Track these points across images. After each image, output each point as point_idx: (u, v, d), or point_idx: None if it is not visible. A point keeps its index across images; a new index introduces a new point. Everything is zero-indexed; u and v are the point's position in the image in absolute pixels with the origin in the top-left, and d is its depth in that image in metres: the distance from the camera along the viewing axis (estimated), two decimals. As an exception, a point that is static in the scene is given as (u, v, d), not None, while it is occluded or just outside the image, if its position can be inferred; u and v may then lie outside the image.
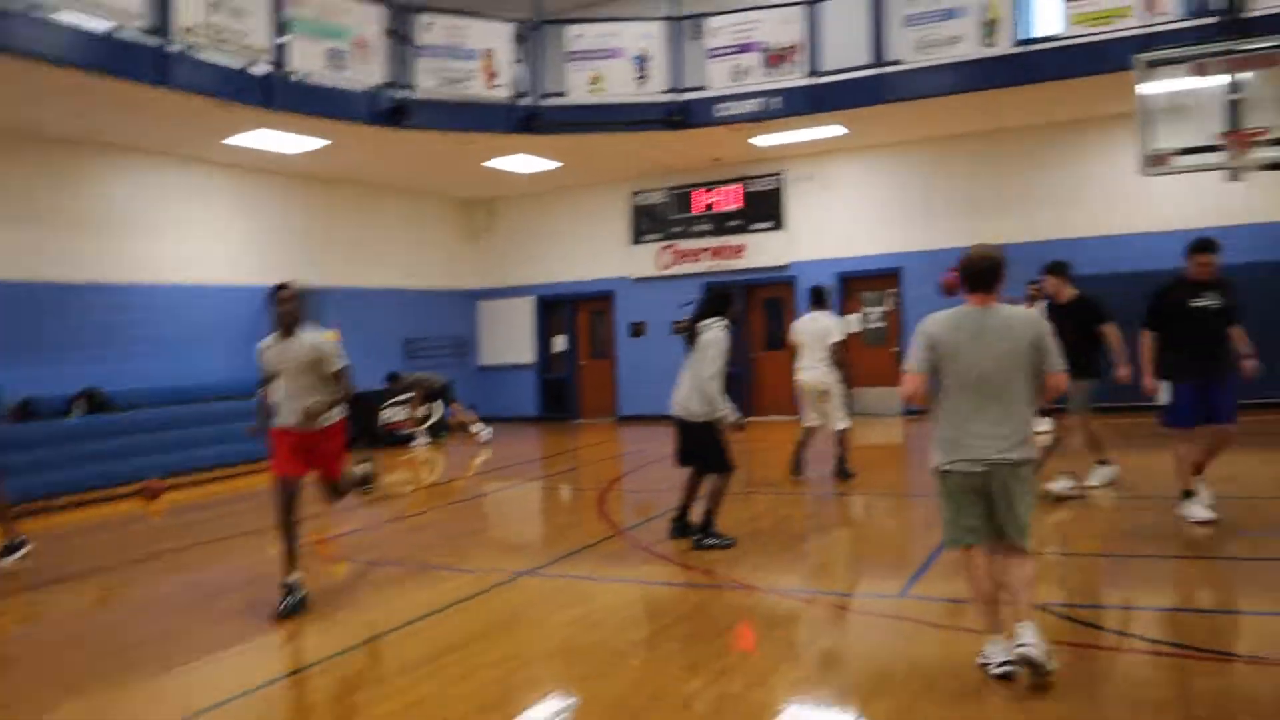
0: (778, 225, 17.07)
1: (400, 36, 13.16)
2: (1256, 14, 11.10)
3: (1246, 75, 10.20)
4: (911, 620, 5.22)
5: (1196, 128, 10.17)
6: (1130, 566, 6.24)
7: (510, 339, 19.34)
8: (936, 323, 4.34)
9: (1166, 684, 4.29)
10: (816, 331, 9.57)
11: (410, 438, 15.29)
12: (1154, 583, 5.94)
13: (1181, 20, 11.70)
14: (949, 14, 12.67)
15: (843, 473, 9.59)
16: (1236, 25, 11.08)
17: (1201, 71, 10.37)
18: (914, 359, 4.32)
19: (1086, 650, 4.65)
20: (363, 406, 13.40)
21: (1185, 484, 7.07)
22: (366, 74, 12.77)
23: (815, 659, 4.94)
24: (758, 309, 17.48)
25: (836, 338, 9.51)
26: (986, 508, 4.27)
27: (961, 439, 4.25)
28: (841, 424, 9.54)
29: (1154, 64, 10.67)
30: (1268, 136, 9.70)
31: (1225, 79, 10.26)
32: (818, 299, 9.86)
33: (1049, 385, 4.29)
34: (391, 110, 13.06)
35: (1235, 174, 10.02)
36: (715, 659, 4.81)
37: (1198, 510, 6.95)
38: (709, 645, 5.09)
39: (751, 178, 17.19)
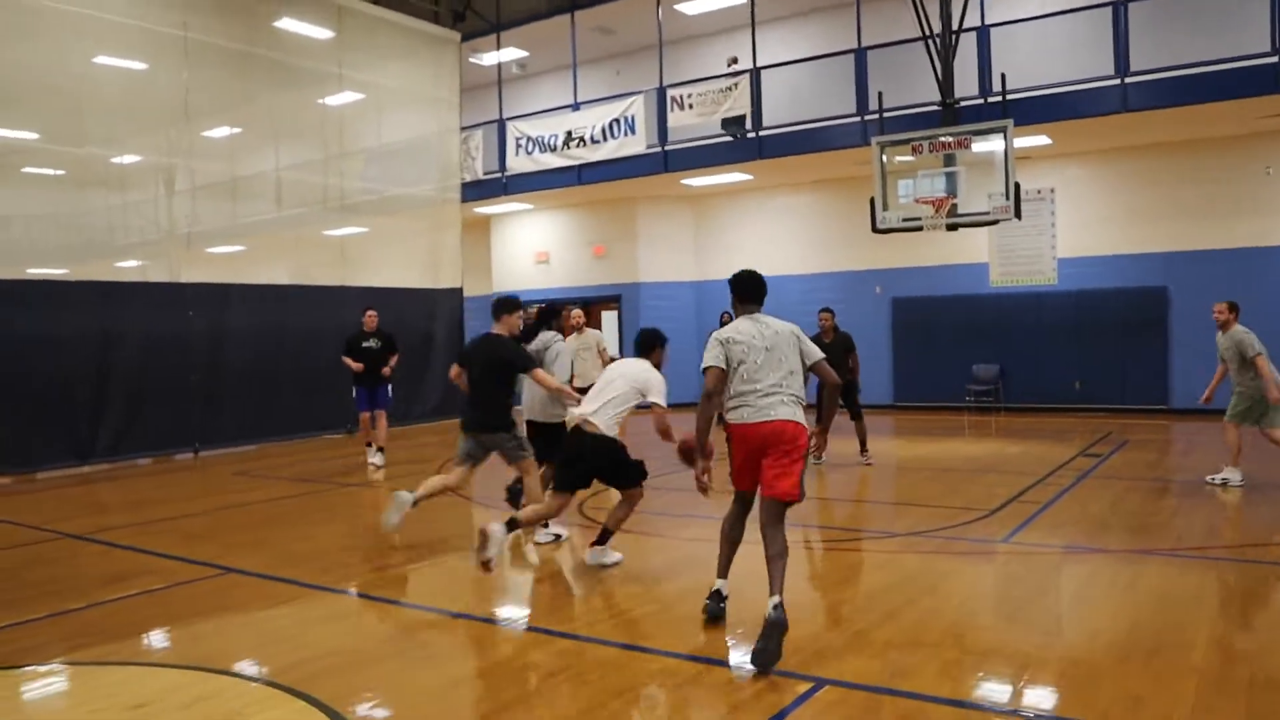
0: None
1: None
2: (962, 105, 13.45)
3: (952, 153, 12.39)
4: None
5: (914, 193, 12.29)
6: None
7: None
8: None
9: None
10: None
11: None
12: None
13: (908, 107, 14.02)
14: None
15: None
16: (950, 114, 13.39)
17: (917, 151, 12.53)
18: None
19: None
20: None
21: None
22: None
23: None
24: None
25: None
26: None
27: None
28: None
29: (884, 145, 12.83)
30: (952, 202, 11.83)
31: (939, 155, 12.43)
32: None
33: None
34: None
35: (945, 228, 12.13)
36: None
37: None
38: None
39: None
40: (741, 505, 5.41)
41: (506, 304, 7.64)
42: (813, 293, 16.43)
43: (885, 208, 12.80)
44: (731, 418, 5.21)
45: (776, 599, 4.76)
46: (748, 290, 5.49)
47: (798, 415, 5.12)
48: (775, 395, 5.12)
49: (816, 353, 5.33)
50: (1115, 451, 11.51)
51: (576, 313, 10.92)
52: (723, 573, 5.44)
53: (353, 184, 18.14)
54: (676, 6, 17.41)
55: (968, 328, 16.64)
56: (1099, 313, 15.57)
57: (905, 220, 12.49)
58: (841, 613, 5.59)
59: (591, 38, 19.19)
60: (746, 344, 5.22)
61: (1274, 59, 12.39)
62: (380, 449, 12.24)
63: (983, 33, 14.07)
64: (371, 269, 17.98)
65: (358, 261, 17.90)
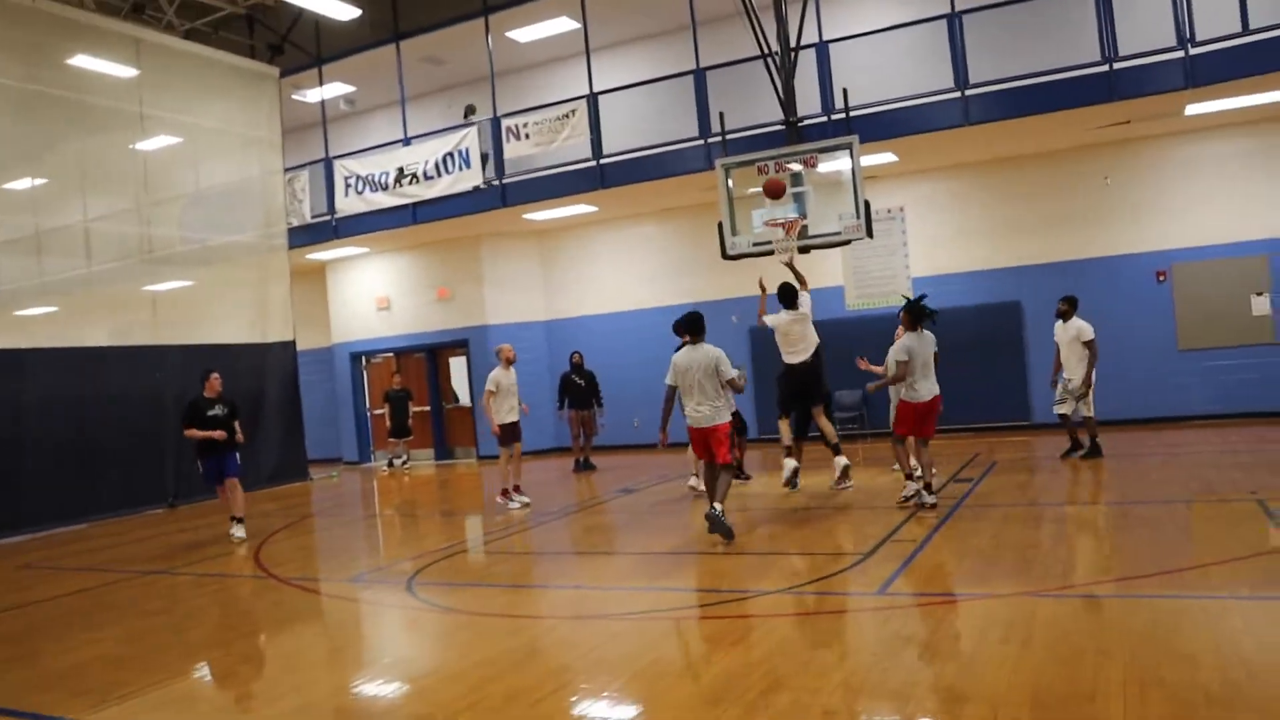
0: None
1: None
2: (806, 123, 12.99)
3: (795, 166, 11.84)
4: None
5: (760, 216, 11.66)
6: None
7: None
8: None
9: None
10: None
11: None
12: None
13: (752, 128, 13.49)
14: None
15: None
16: (794, 132, 12.90)
17: (763, 172, 11.92)
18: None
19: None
20: None
21: None
22: None
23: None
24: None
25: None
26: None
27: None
28: None
29: (728, 167, 12.19)
30: (803, 224, 11.26)
31: (787, 176, 11.85)
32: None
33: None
34: None
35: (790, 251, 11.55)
36: None
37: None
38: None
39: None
40: (707, 466, 8.71)
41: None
42: (667, 326, 15.66)
43: (734, 232, 12.16)
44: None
45: (718, 505, 8.29)
46: (687, 327, 8.78)
47: (715, 417, 8.39)
48: (702, 406, 8.41)
49: (728, 373, 8.34)
50: (985, 475, 11.03)
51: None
52: (713, 499, 8.41)
53: (170, 233, 16.62)
54: (508, 34, 16.58)
55: (827, 353, 16.11)
56: (956, 331, 15.16)
57: (755, 245, 11.85)
58: (696, 706, 4.67)
59: (421, 69, 18.18)
60: (685, 368, 8.46)
61: (1105, 68, 12.35)
62: (240, 519, 11.23)
63: (821, 49, 13.68)
64: (194, 325, 16.48)
65: (179, 317, 16.36)
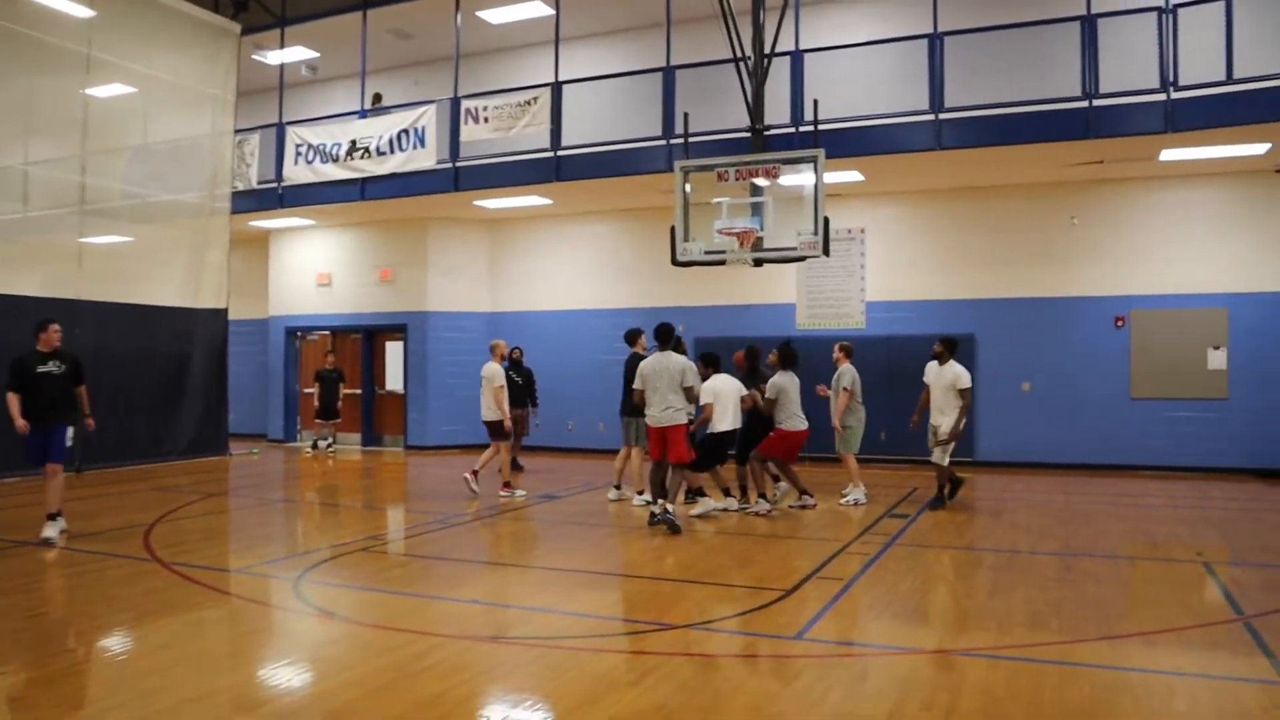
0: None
1: None
2: (773, 133, 12.47)
3: (762, 183, 11.32)
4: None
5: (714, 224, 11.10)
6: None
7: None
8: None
9: None
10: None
11: None
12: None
13: (716, 133, 12.97)
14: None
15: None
16: (759, 140, 12.38)
17: (723, 178, 11.38)
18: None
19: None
20: None
21: None
22: None
23: None
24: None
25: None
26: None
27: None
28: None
29: (688, 170, 11.61)
30: (758, 236, 10.73)
31: (746, 184, 11.33)
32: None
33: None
34: None
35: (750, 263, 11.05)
36: None
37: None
38: None
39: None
40: (655, 465, 9.61)
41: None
42: (613, 329, 15.12)
43: (687, 238, 11.59)
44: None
45: (668, 505, 9.38)
46: (658, 336, 9.74)
47: (675, 418, 9.34)
48: (665, 409, 9.35)
49: (690, 382, 9.43)
50: (923, 511, 10.58)
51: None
52: (656, 496, 9.60)
53: (110, 185, 15.80)
54: (479, 13, 15.95)
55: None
56: (908, 361, 14.76)
57: (708, 253, 11.29)
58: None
59: (388, 42, 17.50)
60: (654, 373, 9.43)
61: (1084, 104, 11.99)
62: (55, 515, 9.05)
63: (796, 58, 13.20)
64: (124, 282, 15.68)
65: (109, 273, 15.55)
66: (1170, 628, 6.08)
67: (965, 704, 4.63)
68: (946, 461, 10.70)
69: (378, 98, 17.58)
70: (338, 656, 5.57)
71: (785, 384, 10.49)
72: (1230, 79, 11.33)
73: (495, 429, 11.99)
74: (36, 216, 14.83)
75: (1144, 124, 11.79)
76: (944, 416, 10.58)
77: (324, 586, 7.29)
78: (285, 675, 5.24)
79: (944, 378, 10.57)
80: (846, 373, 11.40)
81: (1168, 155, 12.66)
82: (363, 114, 16.54)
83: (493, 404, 11.90)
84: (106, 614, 6.56)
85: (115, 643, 5.97)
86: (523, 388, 14.58)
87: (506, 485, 12.13)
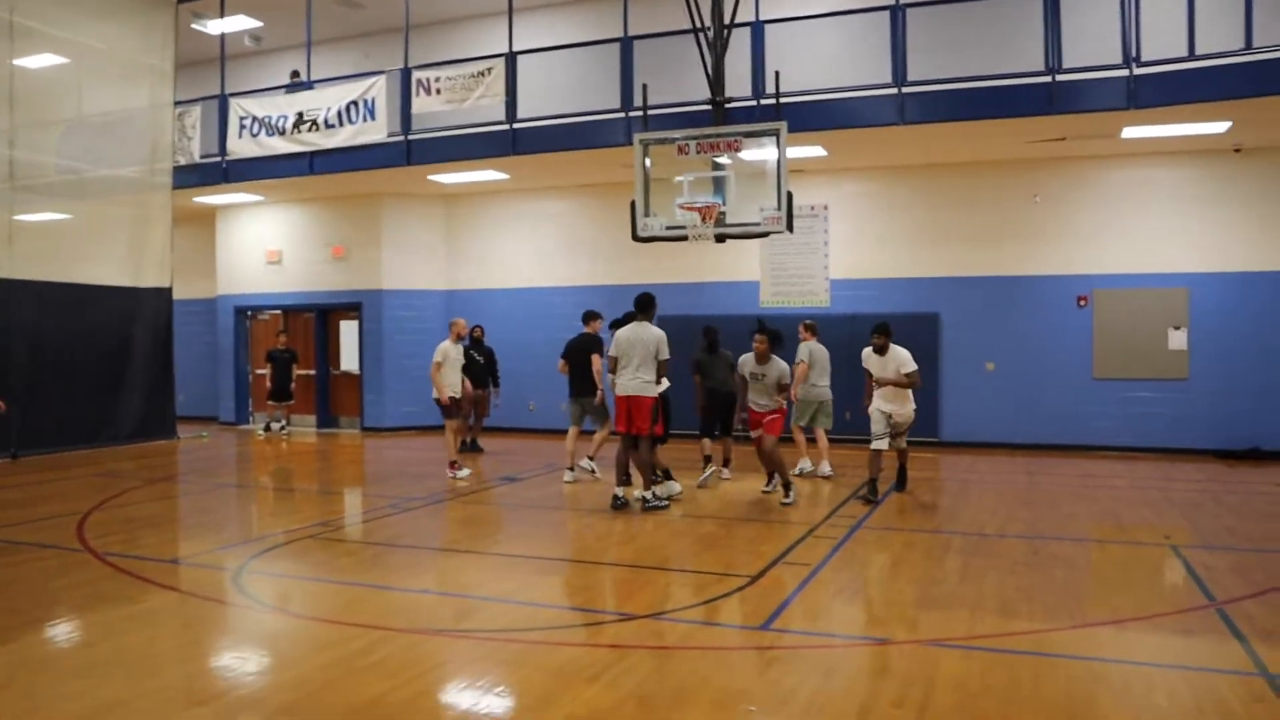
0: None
1: None
2: (734, 105, 12.17)
3: (723, 160, 11.02)
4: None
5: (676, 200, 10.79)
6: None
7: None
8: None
9: None
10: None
11: None
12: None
13: (676, 105, 12.66)
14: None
15: None
16: (720, 112, 12.07)
17: (684, 152, 11.07)
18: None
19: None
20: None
21: None
22: None
23: None
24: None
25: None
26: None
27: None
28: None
29: (647, 143, 11.28)
30: (720, 211, 10.45)
31: (708, 159, 11.03)
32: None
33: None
34: None
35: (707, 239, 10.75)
36: None
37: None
38: None
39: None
40: (623, 440, 9.50)
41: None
42: (573, 307, 14.74)
43: (648, 213, 11.28)
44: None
45: (644, 493, 9.33)
46: (638, 305, 9.66)
47: (644, 390, 9.21)
48: (634, 379, 9.21)
49: (664, 354, 9.31)
50: (889, 494, 10.40)
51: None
52: (620, 483, 9.59)
53: (43, 159, 15.17)
54: (431, -18, 15.48)
55: (737, 351, 15.40)
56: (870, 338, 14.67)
57: (670, 229, 10.98)
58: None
59: (335, 12, 16.91)
60: (629, 343, 9.30)
61: (1047, 79, 11.82)
62: None
63: (756, 28, 12.88)
64: (60, 262, 15.11)
65: (44, 252, 14.96)
66: (1143, 615, 5.92)
67: (939, 698, 4.41)
68: (886, 446, 10.08)
69: (295, 74, 16.96)
70: (277, 654, 5.25)
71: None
72: (1193, 55, 11.19)
73: (444, 408, 11.88)
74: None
75: (1107, 100, 11.62)
76: (894, 404, 10.06)
77: (267, 577, 6.95)
78: (218, 676, 4.91)
79: (888, 368, 10.02)
80: (803, 348, 11.73)
81: (1130, 133, 12.53)
82: (309, 85, 15.98)
83: (441, 383, 11.66)
84: (30, 609, 6.16)
85: (36, 641, 5.58)
86: (484, 367, 14.24)
87: (453, 465, 11.92)
